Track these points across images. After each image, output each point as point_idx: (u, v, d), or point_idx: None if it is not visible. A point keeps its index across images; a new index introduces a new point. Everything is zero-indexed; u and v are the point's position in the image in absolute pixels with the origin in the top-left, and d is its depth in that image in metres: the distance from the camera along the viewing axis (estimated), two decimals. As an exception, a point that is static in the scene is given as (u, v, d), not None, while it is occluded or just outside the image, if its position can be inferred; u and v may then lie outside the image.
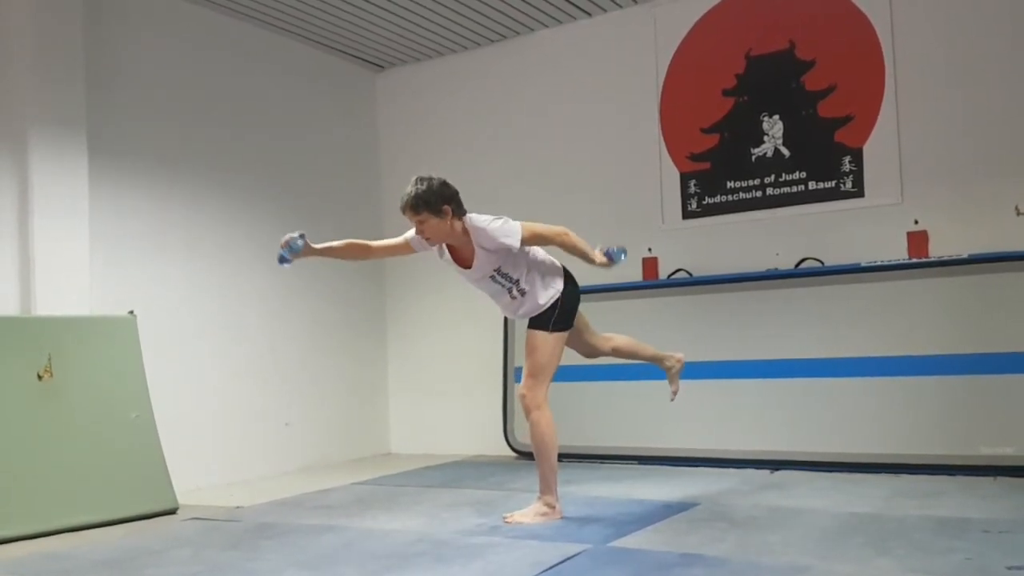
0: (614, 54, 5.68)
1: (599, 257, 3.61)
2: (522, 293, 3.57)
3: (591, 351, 3.92)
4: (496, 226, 3.45)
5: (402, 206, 3.46)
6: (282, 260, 3.56)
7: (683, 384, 4.09)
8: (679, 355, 4.07)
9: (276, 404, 5.56)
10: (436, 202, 3.42)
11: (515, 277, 3.55)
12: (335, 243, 3.73)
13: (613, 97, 5.68)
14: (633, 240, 5.52)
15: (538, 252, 3.63)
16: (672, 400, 4.11)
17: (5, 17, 4.28)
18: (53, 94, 4.31)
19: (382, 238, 6.31)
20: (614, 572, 2.69)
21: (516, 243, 3.44)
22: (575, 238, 3.58)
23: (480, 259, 3.50)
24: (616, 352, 3.95)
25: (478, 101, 6.18)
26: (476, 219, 3.48)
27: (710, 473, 4.62)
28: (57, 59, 4.34)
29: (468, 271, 3.57)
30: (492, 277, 3.55)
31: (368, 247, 3.77)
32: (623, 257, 3.65)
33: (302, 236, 3.55)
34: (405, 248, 3.71)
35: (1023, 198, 4.51)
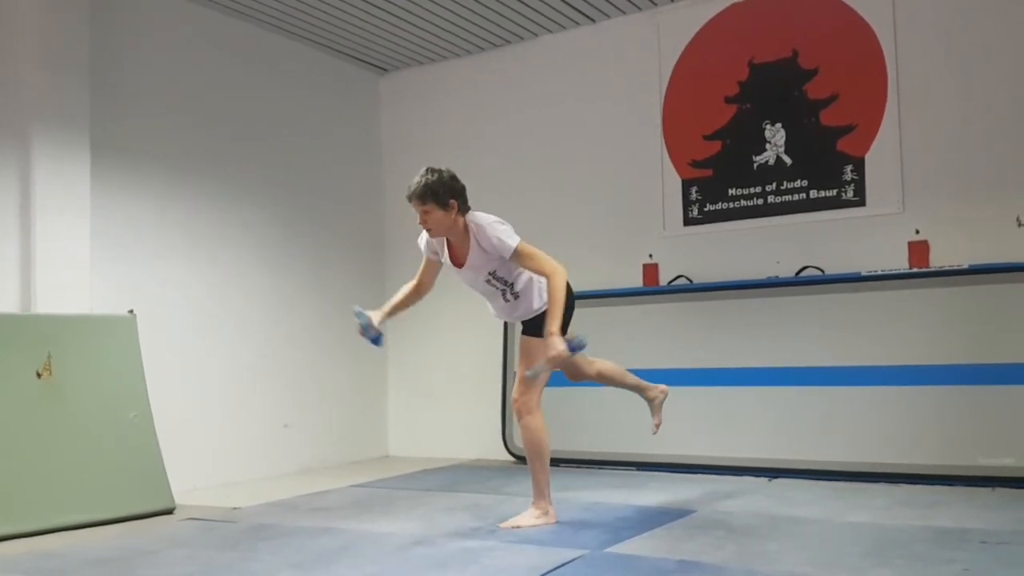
0: (617, 60, 5.69)
1: (556, 338, 3.31)
2: (515, 296, 3.57)
3: (576, 372, 3.87)
4: (498, 228, 3.44)
5: (409, 194, 3.45)
6: (374, 341, 3.56)
7: (683, 390, 4.09)
8: (662, 387, 4.03)
9: (275, 405, 5.56)
10: (443, 194, 3.42)
11: (509, 281, 3.54)
12: (396, 298, 3.74)
13: (616, 103, 5.68)
14: (634, 246, 5.54)
15: None
16: (655, 433, 4.05)
17: (10, 14, 4.28)
18: (57, 92, 4.32)
19: (383, 239, 6.47)
20: (611, 578, 2.69)
21: (508, 253, 3.41)
22: (560, 290, 3.36)
23: (473, 258, 3.50)
24: (600, 377, 3.91)
25: (481, 105, 6.18)
26: (479, 217, 3.48)
27: (708, 480, 4.61)
28: (61, 57, 4.34)
29: (460, 270, 3.57)
30: (487, 280, 3.55)
31: (417, 284, 3.75)
32: (582, 349, 3.38)
33: (359, 314, 3.52)
34: (430, 265, 3.71)
35: (1024, 209, 4.53)
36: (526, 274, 3.54)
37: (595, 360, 3.90)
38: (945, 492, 4.07)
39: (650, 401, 4.02)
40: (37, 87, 4.26)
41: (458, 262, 3.57)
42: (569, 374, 3.89)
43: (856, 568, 2.73)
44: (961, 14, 4.71)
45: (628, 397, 5.11)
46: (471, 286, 3.65)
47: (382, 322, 3.59)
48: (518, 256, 3.42)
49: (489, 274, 3.52)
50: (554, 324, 3.33)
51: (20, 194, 4.25)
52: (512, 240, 3.42)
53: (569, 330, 3.63)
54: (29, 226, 4.22)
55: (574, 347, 3.33)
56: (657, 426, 4.02)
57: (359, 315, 3.53)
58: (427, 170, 3.45)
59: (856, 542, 3.08)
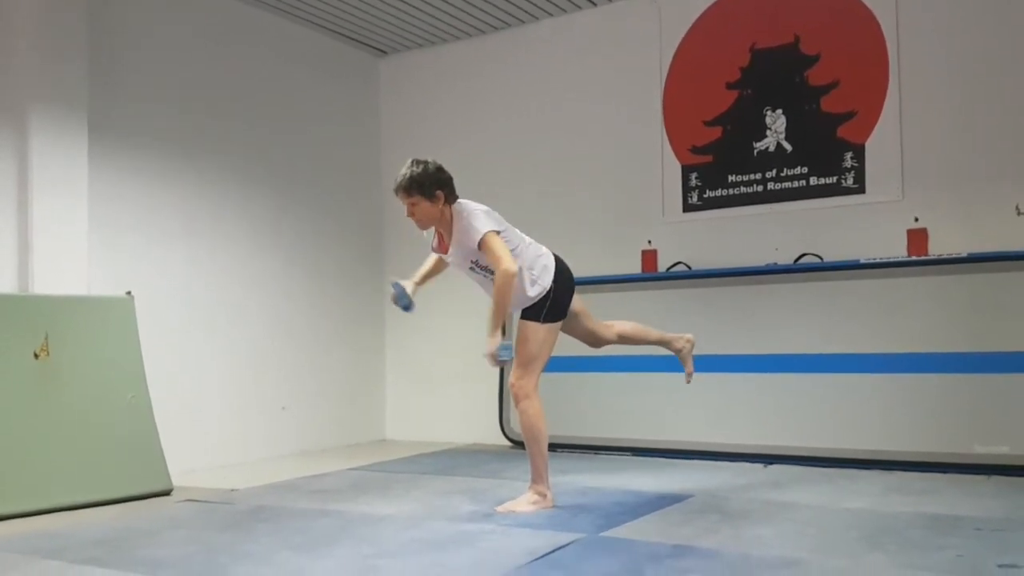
0: (618, 45, 5.66)
1: (491, 342, 3.40)
2: None
3: (596, 340, 3.88)
4: (476, 214, 3.43)
5: (395, 187, 3.46)
6: (406, 308, 3.65)
7: (680, 376, 4.07)
8: (688, 335, 4.01)
9: (273, 388, 5.56)
10: (430, 186, 3.42)
11: (494, 270, 3.53)
12: (424, 267, 3.75)
13: (616, 87, 5.66)
14: (633, 232, 5.54)
15: (526, 246, 3.58)
16: (688, 382, 4.03)
17: (7, -6, 4.27)
18: (55, 74, 4.30)
19: (381, 222, 6.47)
20: (606, 561, 2.70)
21: (473, 243, 3.41)
22: (505, 292, 3.37)
23: (455, 246, 3.51)
24: (622, 338, 3.90)
25: (481, 88, 6.16)
26: (463, 205, 3.48)
27: (704, 466, 4.63)
28: (59, 39, 4.32)
29: (446, 256, 3.59)
30: (471, 268, 3.55)
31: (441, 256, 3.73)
32: (505, 356, 3.43)
33: (395, 284, 3.63)
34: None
35: (1023, 198, 4.51)
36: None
37: (613, 323, 3.90)
38: (940, 479, 4.08)
39: (678, 352, 3.99)
40: (35, 69, 4.25)
41: (444, 250, 3.59)
42: (589, 341, 3.90)
43: (850, 553, 2.75)
44: (963, 2, 4.69)
45: (626, 385, 5.15)
46: (464, 273, 3.65)
47: (415, 291, 3.67)
48: (483, 245, 3.39)
49: (472, 262, 3.52)
50: (494, 323, 3.39)
51: (18, 176, 4.24)
52: (482, 228, 3.39)
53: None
54: (27, 207, 4.22)
55: (503, 357, 3.39)
56: (689, 375, 4.01)
57: (395, 285, 3.63)
58: (412, 162, 3.45)
59: (851, 528, 3.09)
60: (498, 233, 3.43)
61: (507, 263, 3.36)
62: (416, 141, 6.23)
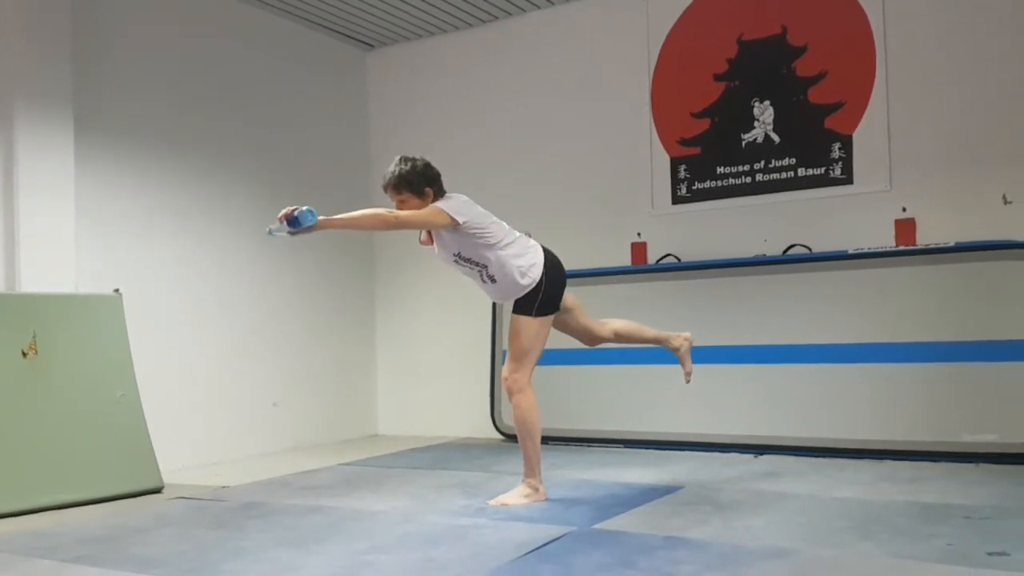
0: (606, 36, 5.66)
1: (299, 209, 3.22)
2: (492, 279, 3.54)
3: (591, 337, 3.87)
4: (448, 199, 3.46)
5: (384, 185, 3.46)
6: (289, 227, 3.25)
7: (670, 368, 4.08)
8: (685, 334, 3.97)
9: (263, 384, 5.55)
10: (418, 183, 3.42)
11: (479, 263, 3.51)
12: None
13: (604, 80, 5.66)
14: (622, 225, 5.54)
15: (513, 239, 3.55)
16: (687, 382, 4.00)
17: (-10, -10, 4.23)
18: (40, 69, 4.26)
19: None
20: (598, 554, 2.71)
21: (450, 230, 3.42)
22: (366, 222, 3.40)
23: (438, 239, 3.53)
24: (617, 336, 3.88)
25: (469, 81, 6.14)
26: (447, 198, 3.49)
27: (695, 457, 4.64)
28: (44, 34, 4.28)
29: (436, 251, 3.60)
30: (455, 261, 3.55)
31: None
32: (302, 224, 3.22)
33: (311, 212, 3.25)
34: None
35: (1011, 187, 4.54)
36: (496, 256, 3.48)
37: (608, 320, 3.88)
38: (929, 468, 4.11)
39: (675, 351, 3.96)
40: (20, 64, 4.21)
41: (429, 243, 3.61)
42: (583, 339, 3.89)
43: (841, 543, 2.76)
44: (950, -9, 4.71)
45: (616, 377, 5.16)
46: (450, 267, 3.65)
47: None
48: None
49: (455, 255, 3.52)
50: (331, 219, 3.27)
51: (3, 173, 4.21)
52: (439, 204, 3.40)
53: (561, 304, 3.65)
54: (13, 205, 4.19)
55: (302, 223, 3.17)
56: (688, 375, 3.98)
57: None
58: (401, 159, 3.45)
59: (841, 517, 3.11)
60: (456, 220, 3.37)
61: (398, 213, 3.36)
62: (404, 134, 6.22)
